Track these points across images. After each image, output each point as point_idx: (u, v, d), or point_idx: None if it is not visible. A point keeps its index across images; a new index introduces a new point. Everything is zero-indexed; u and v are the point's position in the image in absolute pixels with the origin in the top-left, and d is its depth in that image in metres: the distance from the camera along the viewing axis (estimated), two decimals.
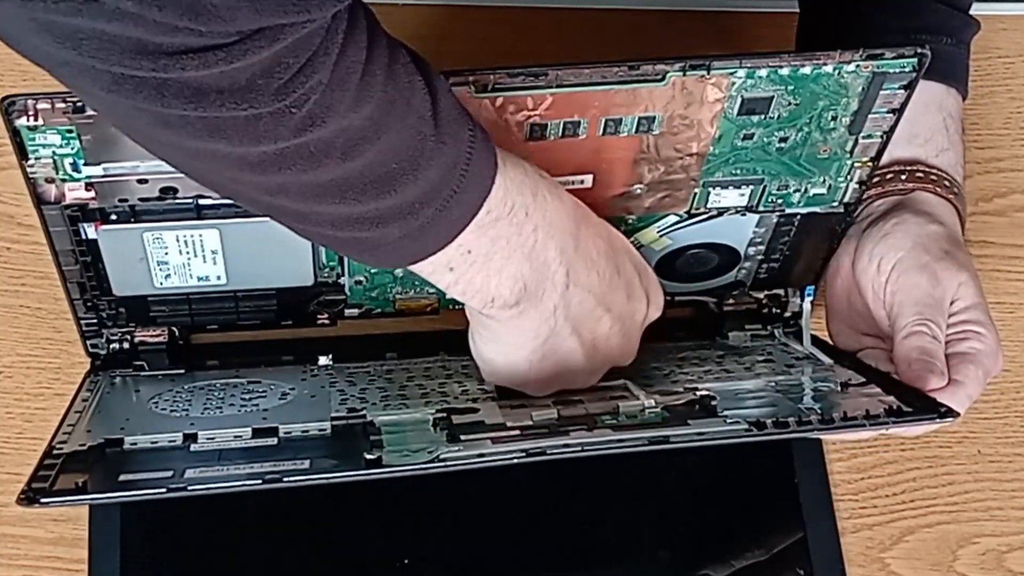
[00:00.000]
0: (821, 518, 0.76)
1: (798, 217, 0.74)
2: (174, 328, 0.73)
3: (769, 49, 0.65)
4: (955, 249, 0.71)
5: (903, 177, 0.74)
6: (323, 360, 0.75)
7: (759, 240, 0.75)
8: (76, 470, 0.59)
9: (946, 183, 0.74)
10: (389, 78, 0.52)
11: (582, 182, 0.68)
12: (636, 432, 0.61)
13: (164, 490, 0.56)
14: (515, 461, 0.58)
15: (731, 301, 0.79)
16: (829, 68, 0.64)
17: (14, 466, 0.73)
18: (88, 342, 0.73)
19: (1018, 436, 0.81)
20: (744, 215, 0.73)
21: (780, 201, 0.72)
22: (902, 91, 0.66)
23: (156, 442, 0.63)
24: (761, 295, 0.79)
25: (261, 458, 0.60)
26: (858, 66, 0.64)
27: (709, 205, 0.71)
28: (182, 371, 0.73)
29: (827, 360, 0.74)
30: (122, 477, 0.58)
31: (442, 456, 0.59)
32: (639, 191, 0.69)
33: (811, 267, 0.78)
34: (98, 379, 0.72)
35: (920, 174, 0.74)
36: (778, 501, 0.76)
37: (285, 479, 0.57)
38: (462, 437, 0.62)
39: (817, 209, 0.73)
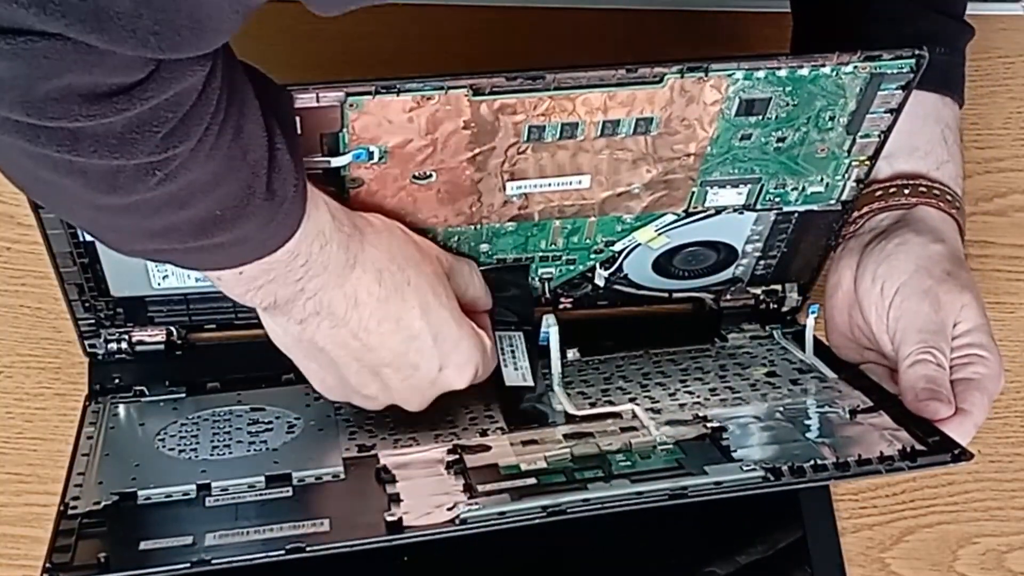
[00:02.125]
0: (821, 518, 0.76)
1: (796, 215, 0.74)
2: (172, 328, 0.73)
3: (769, 49, 0.65)
4: (957, 269, 0.71)
5: (906, 192, 0.74)
6: None
7: (757, 237, 0.75)
8: (94, 535, 0.59)
9: (948, 197, 0.74)
10: (237, 134, 0.51)
11: (580, 183, 0.68)
12: (654, 483, 0.61)
13: (188, 565, 0.56)
14: (537, 521, 0.59)
15: (728, 297, 0.79)
16: (827, 69, 0.64)
17: (14, 466, 0.73)
18: (86, 342, 0.73)
19: (1018, 436, 0.81)
20: (742, 213, 0.73)
21: (778, 199, 0.72)
22: (900, 91, 0.66)
23: (170, 496, 0.63)
24: (758, 291, 0.80)
25: (278, 515, 0.60)
26: (856, 67, 0.64)
27: (707, 204, 0.71)
28: (183, 395, 0.72)
29: (830, 374, 0.73)
30: (142, 545, 0.58)
31: (463, 516, 0.59)
32: (637, 191, 0.69)
33: (808, 264, 0.78)
34: (98, 408, 0.71)
35: (923, 188, 0.74)
36: (778, 501, 0.75)
37: (308, 548, 0.57)
38: (479, 488, 0.61)
39: (815, 207, 0.73)
